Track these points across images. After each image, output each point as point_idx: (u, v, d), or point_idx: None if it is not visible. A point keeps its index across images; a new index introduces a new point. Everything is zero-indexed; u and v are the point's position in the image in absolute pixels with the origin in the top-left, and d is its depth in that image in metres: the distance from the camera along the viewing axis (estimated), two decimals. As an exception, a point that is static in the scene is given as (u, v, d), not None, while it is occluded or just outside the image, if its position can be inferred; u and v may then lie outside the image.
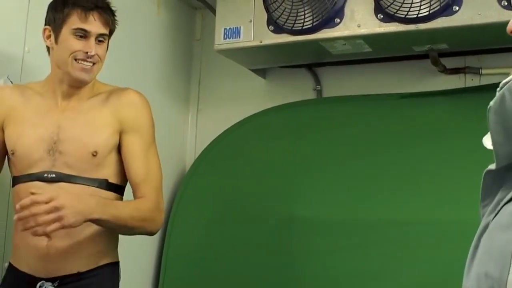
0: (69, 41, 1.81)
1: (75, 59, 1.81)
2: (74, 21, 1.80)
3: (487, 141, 0.94)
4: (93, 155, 1.83)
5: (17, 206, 1.62)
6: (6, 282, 1.90)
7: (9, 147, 1.87)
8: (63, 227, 1.64)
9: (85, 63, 1.82)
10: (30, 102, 1.90)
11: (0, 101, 1.91)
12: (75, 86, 1.87)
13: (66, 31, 1.81)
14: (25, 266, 1.85)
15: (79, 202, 1.67)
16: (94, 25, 1.81)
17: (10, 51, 2.14)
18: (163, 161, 1.96)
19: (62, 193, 1.68)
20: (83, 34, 1.81)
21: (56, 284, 1.81)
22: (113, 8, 1.88)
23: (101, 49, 1.85)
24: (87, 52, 1.80)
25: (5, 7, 2.13)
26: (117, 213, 1.77)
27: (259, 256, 2.64)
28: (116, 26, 1.91)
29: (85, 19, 1.80)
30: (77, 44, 1.80)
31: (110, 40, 1.91)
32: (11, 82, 2.07)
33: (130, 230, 1.88)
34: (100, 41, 1.83)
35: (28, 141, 1.85)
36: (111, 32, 1.89)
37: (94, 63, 1.83)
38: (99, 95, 1.91)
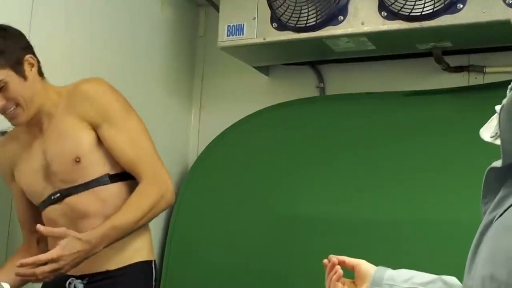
0: None
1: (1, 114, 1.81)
2: None
3: (485, 133, 0.94)
4: (77, 162, 1.83)
5: (18, 264, 1.64)
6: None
7: (21, 189, 1.94)
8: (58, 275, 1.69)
9: (6, 114, 1.81)
10: (19, 143, 1.94)
11: (2, 157, 1.97)
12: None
13: None
14: None
15: (77, 247, 1.66)
16: None
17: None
18: (166, 158, 1.95)
19: (62, 244, 1.66)
20: None
21: (85, 282, 1.83)
22: None
23: (9, 93, 1.76)
24: None
25: (9, 7, 2.13)
26: (123, 231, 1.76)
27: (261, 254, 2.64)
28: (11, 50, 1.78)
29: None
30: None
31: (111, 36, 1.90)
32: (4, 132, 2.08)
33: (146, 222, 1.87)
34: (0, 88, 1.75)
35: (27, 177, 1.91)
36: (10, 64, 1.76)
37: (16, 106, 1.79)
38: (61, 103, 1.88)
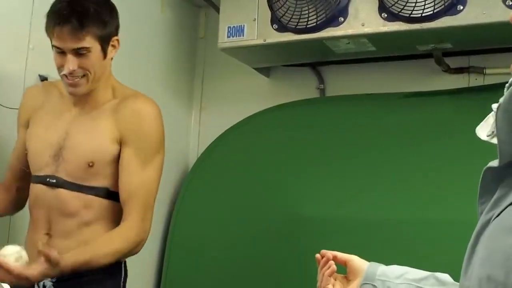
0: (55, 57, 1.79)
1: (63, 74, 1.78)
2: (53, 37, 1.76)
3: (481, 132, 0.93)
4: (90, 166, 1.83)
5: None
6: None
7: (26, 146, 1.92)
8: None
9: (69, 78, 1.78)
10: (50, 102, 1.92)
11: (26, 102, 1.96)
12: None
13: (53, 47, 1.79)
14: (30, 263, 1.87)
15: (50, 271, 1.65)
16: (65, 41, 1.73)
17: (14, 48, 2.14)
18: (166, 159, 1.96)
19: (42, 269, 1.64)
20: (60, 51, 1.76)
21: (54, 280, 1.81)
22: (95, 12, 1.76)
23: (86, 61, 1.76)
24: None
25: (10, 4, 2.13)
26: (91, 265, 1.76)
27: (262, 255, 2.64)
28: (108, 22, 1.80)
29: (57, 36, 1.74)
30: (59, 60, 1.77)
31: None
32: (45, 78, 2.06)
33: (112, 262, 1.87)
34: (81, 54, 1.75)
35: (38, 143, 1.89)
36: (103, 37, 1.78)
37: (82, 76, 1.78)
38: (111, 102, 1.88)
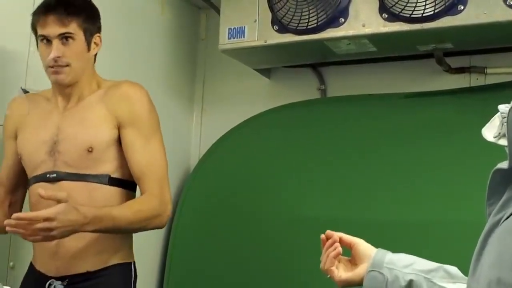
0: (41, 49, 1.84)
1: (49, 66, 1.82)
2: (38, 28, 1.82)
3: (487, 133, 0.93)
4: (89, 151, 1.83)
5: (13, 216, 1.61)
6: (25, 281, 1.93)
7: (18, 153, 1.92)
8: (47, 240, 1.65)
9: (54, 67, 1.82)
10: (36, 108, 1.94)
11: (11, 113, 1.98)
12: (66, 87, 1.88)
13: (38, 39, 1.84)
14: (39, 265, 1.88)
15: (72, 215, 1.64)
16: (51, 28, 1.79)
17: (15, 51, 2.15)
18: (168, 160, 1.96)
19: (59, 206, 1.63)
20: (46, 40, 1.81)
21: (65, 283, 1.82)
22: (80, 4, 1.85)
23: (68, 49, 1.81)
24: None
25: (11, 7, 2.13)
26: (116, 223, 1.76)
27: (263, 256, 2.64)
28: (92, 17, 1.88)
29: (43, 24, 1.80)
30: (45, 51, 1.82)
31: (112, 39, 1.90)
32: (26, 91, 2.08)
33: (135, 231, 1.90)
34: (66, 41, 1.80)
35: (30, 145, 1.89)
36: (87, 29, 1.84)
37: (66, 65, 1.81)
38: (97, 92, 1.91)
